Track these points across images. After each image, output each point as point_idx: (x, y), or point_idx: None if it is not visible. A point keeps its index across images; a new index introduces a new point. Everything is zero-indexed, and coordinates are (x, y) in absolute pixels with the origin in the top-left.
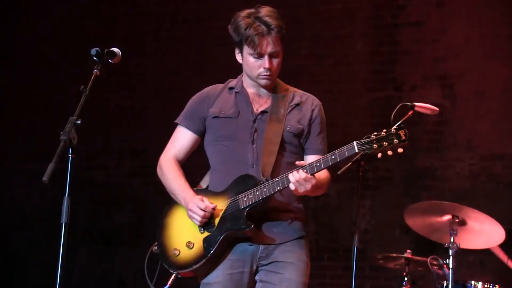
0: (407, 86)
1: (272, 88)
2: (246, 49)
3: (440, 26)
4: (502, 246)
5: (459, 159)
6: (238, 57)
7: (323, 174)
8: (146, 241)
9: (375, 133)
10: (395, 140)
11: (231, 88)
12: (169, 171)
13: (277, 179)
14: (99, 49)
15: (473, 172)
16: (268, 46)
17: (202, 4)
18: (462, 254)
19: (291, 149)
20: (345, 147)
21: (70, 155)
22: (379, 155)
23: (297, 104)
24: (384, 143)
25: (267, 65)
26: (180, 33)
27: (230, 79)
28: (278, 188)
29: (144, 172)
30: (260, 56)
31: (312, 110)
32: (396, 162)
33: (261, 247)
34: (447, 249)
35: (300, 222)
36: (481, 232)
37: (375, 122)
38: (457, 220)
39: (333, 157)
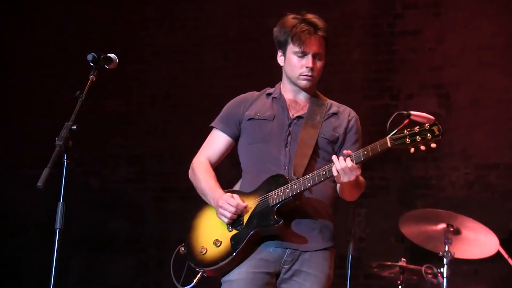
0: (403, 95)
1: (310, 95)
2: (290, 48)
3: (437, 35)
4: (496, 255)
5: (454, 168)
6: (280, 60)
7: (362, 179)
8: (141, 248)
9: (408, 129)
10: (428, 135)
11: (268, 94)
12: (200, 172)
13: (308, 176)
14: (96, 54)
15: (468, 181)
16: (313, 45)
17: (199, 11)
18: (457, 263)
19: (324, 155)
20: (377, 142)
21: (65, 161)
22: (412, 150)
23: (334, 113)
24: (418, 138)
25: (310, 64)
26: (177, 39)
27: (267, 88)
28: (309, 184)
29: (140, 178)
30: (304, 54)
31: (349, 120)
32: (391, 171)
33: (288, 251)
34: (441, 258)
35: (330, 231)
36: (476, 241)
37: (371, 131)
38: (451, 229)
39: (365, 152)
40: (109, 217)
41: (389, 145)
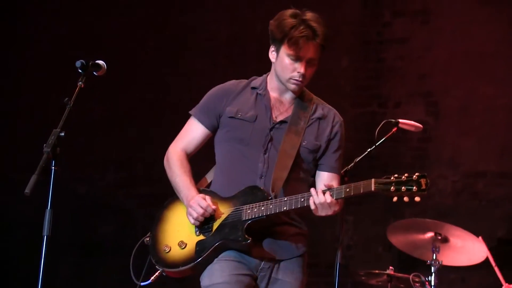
0: (391, 103)
1: (295, 95)
2: (284, 49)
3: (425, 43)
4: (484, 263)
5: (442, 176)
6: (272, 55)
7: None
8: (129, 253)
9: (396, 175)
10: (414, 188)
11: (253, 88)
12: (175, 165)
13: (285, 199)
14: (84, 61)
15: (456, 189)
16: (309, 51)
17: (189, 17)
18: (444, 272)
19: (304, 165)
20: (361, 182)
21: (53, 168)
22: (395, 198)
23: (319, 118)
24: (403, 188)
25: (302, 70)
26: (166, 45)
27: (254, 77)
28: (285, 208)
29: (128, 183)
30: (298, 59)
31: (333, 127)
32: (379, 178)
33: (263, 261)
34: (429, 266)
35: (303, 238)
36: (464, 249)
37: (359, 138)
38: (439, 237)
39: (348, 190)
40: (97, 223)
41: (372, 188)
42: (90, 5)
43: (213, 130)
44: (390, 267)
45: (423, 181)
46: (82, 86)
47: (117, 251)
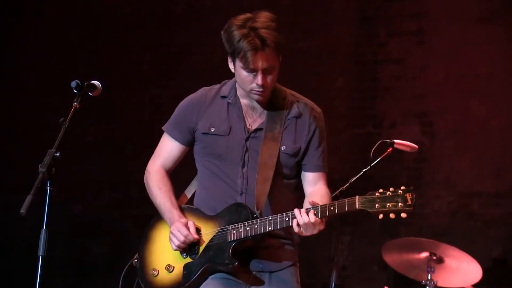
0: (386, 123)
1: (268, 97)
2: (238, 62)
3: (420, 64)
4: (479, 284)
5: (437, 196)
6: (231, 65)
7: (327, 204)
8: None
9: (381, 190)
10: (400, 204)
11: (223, 97)
12: (154, 186)
13: (270, 218)
14: (79, 81)
15: (451, 209)
16: (262, 62)
17: (184, 37)
18: None
19: (286, 171)
20: (346, 200)
21: (48, 188)
22: (380, 216)
23: (295, 117)
24: (388, 204)
25: (260, 82)
26: (161, 66)
27: (225, 81)
28: (270, 228)
29: (123, 204)
30: (253, 71)
31: (310, 124)
32: None
33: (253, 272)
34: (424, 286)
35: (292, 248)
36: (459, 270)
37: (354, 158)
38: (434, 258)
39: (332, 208)
40: (92, 243)
41: (357, 206)
42: (85, 26)
43: (189, 144)
44: (385, 287)
45: (408, 195)
46: (78, 106)
47: (112, 271)
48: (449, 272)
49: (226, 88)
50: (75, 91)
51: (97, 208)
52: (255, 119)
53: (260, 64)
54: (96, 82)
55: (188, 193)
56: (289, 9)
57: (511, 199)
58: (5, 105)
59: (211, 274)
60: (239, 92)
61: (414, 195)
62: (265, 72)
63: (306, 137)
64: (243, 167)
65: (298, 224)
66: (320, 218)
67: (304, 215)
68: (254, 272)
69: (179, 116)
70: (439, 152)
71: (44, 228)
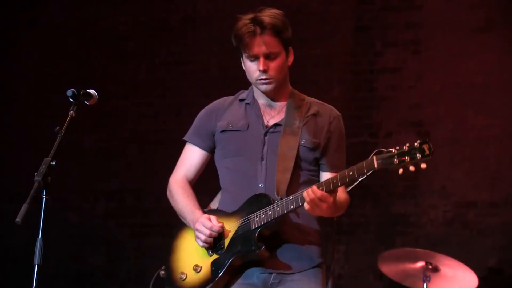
0: (382, 132)
1: (286, 98)
2: (243, 54)
3: (416, 73)
4: None
5: (433, 206)
6: (243, 65)
7: (341, 194)
8: (119, 283)
9: (397, 147)
10: (418, 155)
11: (241, 100)
12: (177, 193)
13: (291, 197)
14: (75, 90)
15: (447, 219)
16: (261, 46)
17: (180, 47)
18: None
19: (306, 165)
20: (364, 162)
21: (44, 196)
22: (400, 170)
23: (314, 115)
24: (406, 158)
25: (261, 67)
26: (157, 76)
27: (241, 91)
28: (292, 207)
29: (119, 214)
30: (255, 58)
31: (330, 123)
32: (370, 208)
33: (273, 274)
34: None
35: (317, 248)
36: (454, 279)
37: None
38: (430, 267)
39: (351, 173)
40: (87, 253)
41: (375, 165)
42: (82, 35)
43: (210, 150)
44: None
45: (425, 146)
46: (73, 115)
47: (108, 281)
48: (444, 281)
49: (244, 94)
50: (71, 99)
51: (93, 218)
52: (273, 116)
53: (259, 48)
54: (92, 91)
55: (213, 206)
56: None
57: (507, 208)
58: (0, 114)
59: (240, 267)
60: (256, 93)
61: (431, 145)
62: (267, 58)
63: (326, 134)
64: (262, 160)
65: (307, 203)
66: (334, 188)
67: (310, 192)
68: (274, 274)
69: (198, 123)
70: (435, 161)
71: (39, 237)
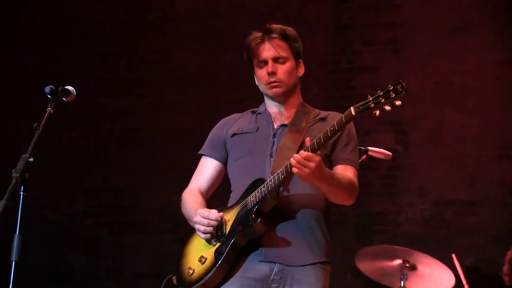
0: (361, 131)
1: (295, 107)
2: (254, 62)
3: (395, 72)
4: None
5: (411, 204)
6: (255, 79)
7: (343, 175)
8: (97, 281)
9: (371, 95)
10: (392, 93)
11: (253, 112)
12: (187, 200)
13: (281, 169)
14: (53, 87)
15: (425, 217)
16: (269, 50)
17: (159, 46)
18: None
19: None
20: (342, 114)
21: (21, 193)
22: (377, 112)
23: (322, 119)
24: (381, 99)
25: (270, 69)
26: (136, 74)
27: (252, 109)
28: (283, 176)
29: (97, 211)
30: (264, 63)
31: None
32: (349, 207)
33: (276, 268)
34: None
35: (323, 245)
36: (431, 277)
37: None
38: (407, 265)
39: (331, 128)
40: (65, 250)
41: (353, 113)
42: (61, 32)
43: (224, 161)
44: None
45: (399, 86)
46: (52, 111)
47: (85, 279)
48: (422, 280)
49: (256, 108)
50: (49, 96)
51: (71, 215)
52: (282, 121)
53: (267, 53)
54: (70, 88)
55: None
56: (264, 17)
57: (484, 207)
58: None
59: (242, 251)
60: (267, 104)
61: (404, 84)
62: (275, 62)
63: None
64: (271, 156)
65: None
66: (318, 147)
67: (295, 155)
68: (276, 268)
69: (212, 136)
70: (413, 160)
71: (17, 233)
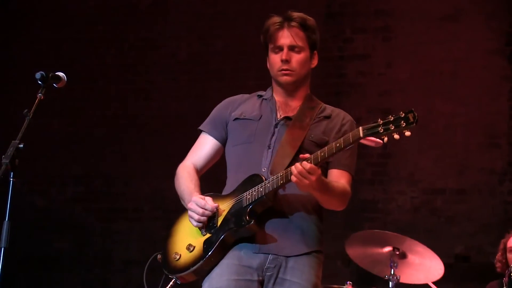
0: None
1: (302, 99)
2: (270, 47)
3: (386, 60)
4: (441, 280)
5: (401, 192)
6: (267, 64)
7: (338, 185)
8: (86, 268)
9: (382, 118)
10: (402, 123)
11: (259, 96)
12: (182, 176)
13: (281, 173)
14: (44, 73)
15: (415, 205)
16: (287, 38)
17: (149, 32)
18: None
19: None
20: (350, 132)
21: (11, 179)
22: (385, 139)
23: (326, 117)
24: (391, 126)
25: (284, 56)
26: (126, 60)
27: (260, 91)
28: (282, 182)
29: (86, 198)
30: (279, 49)
31: (342, 125)
32: None
33: (270, 257)
34: (387, 282)
35: (314, 235)
36: (421, 265)
37: None
38: (397, 253)
39: (337, 144)
40: (54, 237)
41: (361, 135)
42: (51, 18)
43: (223, 141)
44: (349, 282)
45: (410, 115)
46: (42, 98)
47: (74, 265)
48: (411, 268)
49: (263, 92)
50: (40, 82)
51: (60, 202)
52: (286, 112)
53: (285, 40)
54: (61, 74)
55: None
56: (255, 4)
57: (474, 196)
58: None
59: (231, 244)
60: (275, 90)
61: (416, 114)
62: (290, 50)
63: (336, 135)
64: (269, 148)
65: (294, 176)
66: (321, 161)
67: (298, 165)
68: (270, 257)
69: (214, 113)
70: (404, 148)
71: (6, 219)
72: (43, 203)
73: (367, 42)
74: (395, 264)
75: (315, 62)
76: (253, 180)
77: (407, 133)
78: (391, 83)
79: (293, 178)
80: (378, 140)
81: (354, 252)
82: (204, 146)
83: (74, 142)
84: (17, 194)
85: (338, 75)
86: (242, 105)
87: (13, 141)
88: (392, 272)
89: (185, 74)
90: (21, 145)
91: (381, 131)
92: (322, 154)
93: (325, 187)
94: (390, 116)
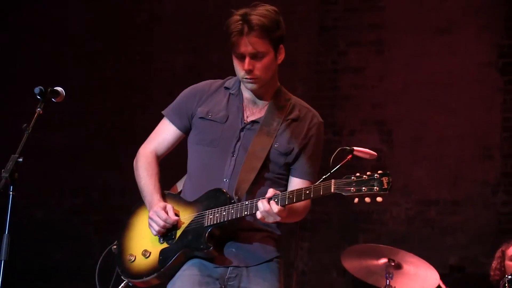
0: (346, 131)
1: (270, 96)
2: (232, 49)
3: (379, 73)
4: None
5: (395, 203)
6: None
7: (299, 205)
8: (84, 280)
9: (357, 174)
10: (375, 188)
11: (227, 88)
12: (142, 167)
13: (246, 203)
14: (43, 87)
15: (409, 216)
16: (247, 46)
17: (146, 46)
18: None
19: (275, 168)
20: (321, 184)
21: (10, 193)
22: (356, 200)
23: (294, 120)
24: (363, 188)
25: (245, 67)
26: (123, 73)
27: (230, 77)
28: (246, 213)
29: (85, 210)
30: (241, 56)
31: (309, 129)
32: (333, 205)
33: (230, 268)
34: None
35: (273, 241)
36: (416, 276)
37: None
38: (393, 264)
39: (307, 192)
40: (53, 249)
41: (332, 190)
42: (49, 33)
43: (185, 131)
44: None
45: (385, 179)
46: (41, 112)
47: (73, 277)
48: (407, 278)
49: (231, 81)
50: (39, 97)
51: (59, 214)
52: (253, 113)
53: (245, 48)
54: (59, 88)
55: (179, 186)
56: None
57: (468, 207)
58: None
59: (187, 260)
60: (242, 85)
61: (390, 179)
62: (252, 58)
63: (302, 141)
64: (233, 155)
65: (259, 212)
66: (288, 204)
67: (265, 203)
68: (230, 268)
69: (180, 102)
70: (398, 160)
71: (6, 233)
72: (41, 215)
73: (360, 55)
74: (391, 275)
75: (281, 57)
76: (218, 197)
77: (379, 199)
78: (385, 95)
79: (258, 215)
80: (372, 152)
81: (350, 264)
82: (166, 134)
83: (73, 155)
84: (16, 207)
85: (332, 87)
86: (209, 99)
87: (12, 155)
88: (387, 283)
89: (181, 87)
90: (21, 159)
91: (353, 191)
92: (290, 197)
93: (289, 217)
94: (364, 175)
